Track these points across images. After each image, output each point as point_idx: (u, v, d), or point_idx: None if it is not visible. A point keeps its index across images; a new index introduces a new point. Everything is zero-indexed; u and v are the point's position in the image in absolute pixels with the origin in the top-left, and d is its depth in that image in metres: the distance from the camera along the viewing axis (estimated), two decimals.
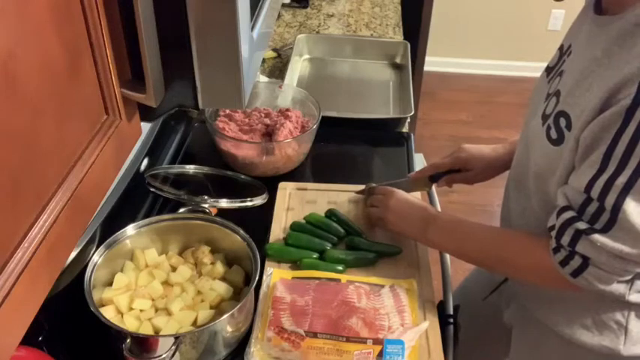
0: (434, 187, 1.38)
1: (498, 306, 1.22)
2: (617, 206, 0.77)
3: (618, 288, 0.90)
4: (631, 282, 0.91)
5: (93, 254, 0.95)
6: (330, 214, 1.18)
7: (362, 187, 1.24)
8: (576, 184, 0.82)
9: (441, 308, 1.08)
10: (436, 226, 1.04)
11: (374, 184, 1.21)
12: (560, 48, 0.99)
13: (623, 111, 0.73)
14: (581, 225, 0.81)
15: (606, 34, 0.82)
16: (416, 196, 1.17)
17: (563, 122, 0.86)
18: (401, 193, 1.12)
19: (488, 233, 1.02)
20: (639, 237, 0.78)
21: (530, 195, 0.98)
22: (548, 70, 1.01)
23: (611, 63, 0.79)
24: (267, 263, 1.10)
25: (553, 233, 0.86)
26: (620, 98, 0.74)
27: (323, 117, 1.35)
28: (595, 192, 0.79)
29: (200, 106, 0.65)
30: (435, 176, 1.24)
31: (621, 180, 0.76)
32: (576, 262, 0.85)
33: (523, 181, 1.01)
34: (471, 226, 1.03)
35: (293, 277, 1.06)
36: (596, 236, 0.80)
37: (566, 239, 0.84)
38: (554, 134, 0.88)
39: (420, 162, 1.44)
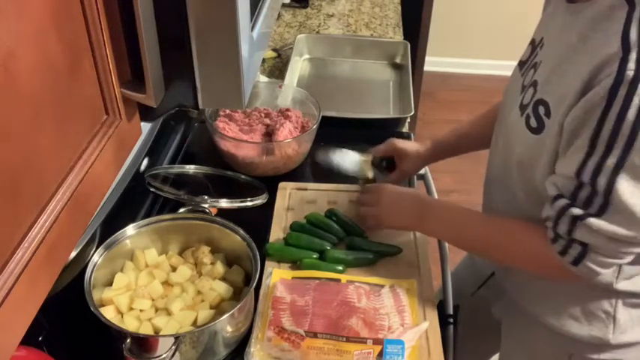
0: (433, 187, 1.38)
1: (487, 300, 1.23)
2: (610, 188, 0.77)
3: (606, 276, 0.91)
4: (618, 270, 0.92)
5: (93, 254, 0.95)
6: (330, 214, 1.18)
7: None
8: (565, 170, 0.82)
9: (441, 308, 1.08)
10: (433, 215, 1.05)
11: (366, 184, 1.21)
12: (532, 42, 1.00)
13: (606, 91, 0.73)
14: (576, 211, 0.81)
15: (580, 19, 0.82)
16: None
17: (542, 110, 0.86)
18: (391, 186, 1.12)
19: (486, 223, 1.02)
20: (634, 217, 0.78)
21: (513, 187, 0.98)
22: (521, 64, 1.01)
23: (586, 47, 0.79)
24: (267, 263, 1.10)
25: (549, 224, 0.86)
26: (601, 79, 0.74)
27: (323, 117, 1.35)
28: (586, 176, 0.78)
29: (200, 106, 0.65)
30: (375, 163, 1.26)
31: (611, 161, 0.76)
32: (575, 249, 0.84)
33: (504, 174, 1.01)
34: (469, 215, 1.03)
35: (293, 277, 1.06)
36: (592, 220, 0.80)
37: (563, 228, 0.84)
38: (533, 123, 0.88)
39: None
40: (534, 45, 0.98)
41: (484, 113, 1.24)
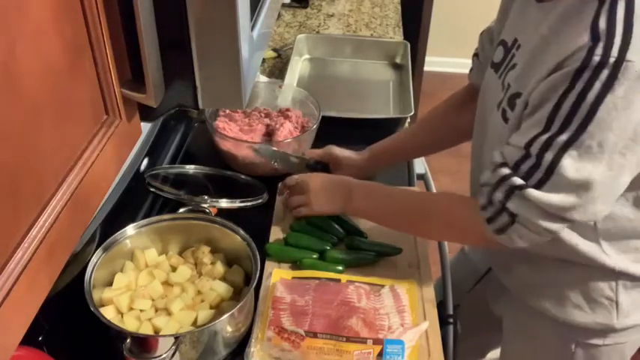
0: (433, 187, 1.39)
1: (484, 296, 1.23)
2: (555, 163, 0.79)
3: (592, 252, 0.95)
4: (601, 246, 0.95)
5: (93, 254, 0.95)
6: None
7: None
8: (516, 141, 0.84)
9: (441, 308, 1.08)
10: (360, 193, 1.08)
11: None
12: (503, 44, 1.00)
13: (572, 72, 0.76)
14: (517, 181, 0.83)
15: (552, 16, 0.84)
16: None
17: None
18: (318, 174, 1.16)
19: (412, 194, 1.08)
20: (571, 190, 0.80)
21: None
22: (495, 66, 1.01)
23: (558, 38, 0.81)
24: (267, 263, 1.10)
25: (486, 189, 0.87)
26: (569, 63, 0.77)
27: (323, 117, 1.35)
28: (534, 149, 0.81)
29: (200, 106, 0.65)
30: (310, 165, 1.27)
31: (562, 138, 0.78)
32: (503, 218, 0.86)
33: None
34: (396, 188, 1.08)
35: (293, 277, 1.06)
36: (530, 191, 0.82)
37: (499, 195, 0.85)
38: (510, 115, 0.89)
39: (419, 162, 1.44)
40: (507, 46, 0.99)
41: (426, 117, 1.27)
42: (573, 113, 0.76)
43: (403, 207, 1.05)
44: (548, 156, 0.79)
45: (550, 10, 0.85)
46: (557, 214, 0.82)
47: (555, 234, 0.86)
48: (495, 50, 1.02)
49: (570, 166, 0.78)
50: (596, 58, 0.74)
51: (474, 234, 0.94)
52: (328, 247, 1.12)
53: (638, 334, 1.05)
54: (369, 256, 1.11)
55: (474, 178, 1.11)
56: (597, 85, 0.74)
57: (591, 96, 0.74)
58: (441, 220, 1.01)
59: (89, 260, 0.94)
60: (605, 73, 0.74)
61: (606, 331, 1.02)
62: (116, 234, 0.99)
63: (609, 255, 0.96)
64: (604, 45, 0.74)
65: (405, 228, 1.09)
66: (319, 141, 1.37)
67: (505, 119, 0.91)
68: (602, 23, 0.76)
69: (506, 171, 0.84)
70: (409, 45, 1.82)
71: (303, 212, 1.14)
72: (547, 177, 0.80)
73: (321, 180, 1.13)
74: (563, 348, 1.07)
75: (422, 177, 1.42)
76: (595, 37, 0.75)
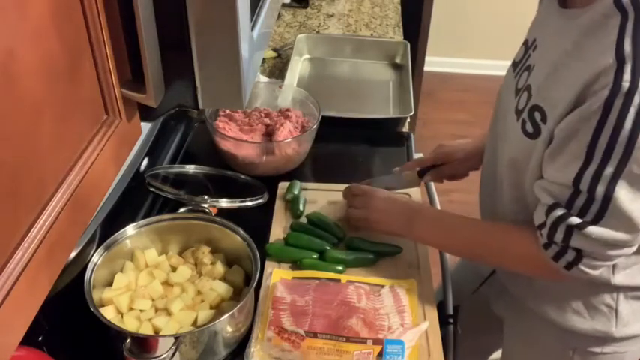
0: (433, 187, 1.38)
1: (488, 298, 1.23)
2: (608, 196, 0.78)
3: (602, 273, 0.92)
4: (613, 265, 0.93)
5: (93, 254, 0.95)
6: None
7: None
8: (561, 178, 0.83)
9: (441, 308, 1.08)
10: (422, 219, 1.06)
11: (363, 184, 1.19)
12: (525, 43, 1.00)
13: (602, 102, 0.75)
14: (574, 220, 0.82)
15: (576, 26, 0.83)
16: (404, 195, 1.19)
17: (538, 116, 0.87)
18: (381, 191, 1.12)
19: (474, 226, 1.03)
20: (631, 222, 0.80)
21: (502, 188, 1.00)
22: (514, 65, 1.01)
23: (581, 55, 0.80)
24: (267, 263, 1.10)
25: (544, 231, 0.87)
26: (596, 89, 0.75)
27: (323, 117, 1.35)
28: (584, 184, 0.80)
29: (200, 106, 0.65)
30: (421, 171, 1.25)
31: (609, 170, 0.77)
32: (570, 255, 0.86)
33: (493, 174, 1.03)
34: (457, 219, 1.04)
35: (293, 277, 1.06)
36: (590, 228, 0.81)
37: (559, 236, 0.85)
38: (529, 128, 0.89)
39: None
40: (527, 46, 0.98)
41: None
42: (613, 142, 0.75)
43: (466, 239, 1.03)
44: (600, 190, 0.79)
45: (573, 19, 0.84)
46: (625, 245, 0.83)
47: (625, 255, 0.86)
48: (519, 49, 1.02)
49: (625, 197, 0.78)
50: (625, 84, 0.73)
51: (543, 269, 0.92)
52: (328, 247, 1.12)
53: (637, 344, 1.04)
54: (369, 256, 1.11)
55: (485, 174, 1.11)
56: (632, 112, 0.73)
57: (628, 123, 0.74)
58: (507, 256, 0.99)
59: (89, 260, 0.94)
60: (637, 99, 0.73)
61: (605, 339, 1.01)
62: (116, 234, 0.99)
63: (615, 275, 0.96)
64: (631, 69, 0.73)
65: (468, 257, 1.09)
66: (319, 141, 1.38)
67: (525, 131, 0.89)
68: (627, 45, 0.74)
69: (560, 212, 0.83)
70: (409, 45, 1.82)
71: (360, 225, 1.12)
72: (603, 210, 0.80)
73: (384, 200, 1.10)
74: (563, 353, 1.06)
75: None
76: (620, 59, 0.74)
